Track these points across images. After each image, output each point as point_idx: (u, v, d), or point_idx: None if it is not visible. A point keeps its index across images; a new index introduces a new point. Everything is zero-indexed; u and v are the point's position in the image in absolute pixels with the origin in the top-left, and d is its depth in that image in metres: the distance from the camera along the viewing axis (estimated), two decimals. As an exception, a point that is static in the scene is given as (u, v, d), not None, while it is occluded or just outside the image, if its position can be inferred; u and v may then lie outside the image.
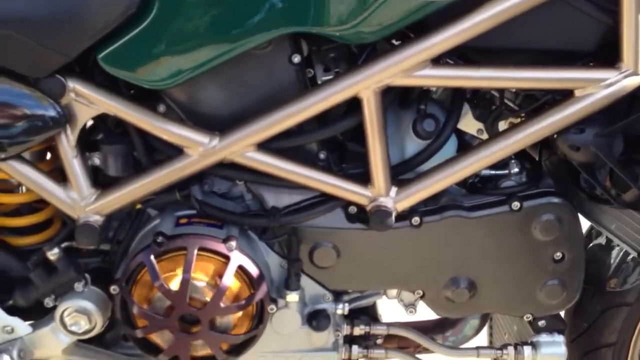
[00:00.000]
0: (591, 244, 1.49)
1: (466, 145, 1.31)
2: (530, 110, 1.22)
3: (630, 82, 1.12)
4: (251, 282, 1.21)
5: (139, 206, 1.27)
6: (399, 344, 1.42)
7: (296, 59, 1.16)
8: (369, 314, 1.40)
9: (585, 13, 1.12)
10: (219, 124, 1.18)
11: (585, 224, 1.32)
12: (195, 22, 1.10)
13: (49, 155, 1.31)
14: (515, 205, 1.24)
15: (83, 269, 1.26)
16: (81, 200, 1.21)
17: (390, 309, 1.49)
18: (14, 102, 1.13)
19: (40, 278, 1.24)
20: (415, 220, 1.24)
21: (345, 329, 1.34)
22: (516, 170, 1.28)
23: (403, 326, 1.39)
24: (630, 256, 1.42)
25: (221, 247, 1.19)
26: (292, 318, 1.28)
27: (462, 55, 1.18)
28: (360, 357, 1.37)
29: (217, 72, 1.13)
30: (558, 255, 1.27)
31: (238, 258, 1.19)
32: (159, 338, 1.23)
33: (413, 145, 1.26)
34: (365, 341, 1.38)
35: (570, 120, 1.15)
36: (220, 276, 1.18)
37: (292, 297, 1.26)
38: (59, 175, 1.24)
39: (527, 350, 1.35)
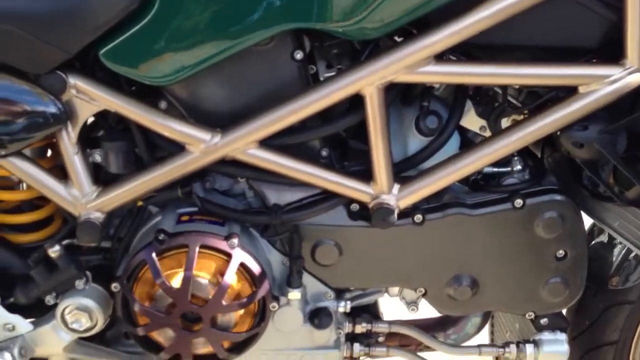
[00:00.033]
0: (593, 242, 1.49)
1: (469, 143, 1.31)
2: (533, 107, 1.22)
3: (634, 79, 1.11)
4: (253, 280, 1.20)
5: (140, 203, 1.27)
6: (400, 342, 1.42)
7: (298, 55, 1.15)
8: (371, 312, 1.40)
9: (589, 9, 1.12)
10: (221, 121, 1.17)
11: (587, 221, 1.32)
12: (196, 18, 1.09)
13: (49, 152, 1.30)
14: (518, 202, 1.24)
15: (84, 267, 1.25)
16: (82, 198, 1.20)
17: (391, 306, 1.48)
18: (14, 99, 1.13)
19: (41, 275, 1.23)
20: (418, 217, 1.24)
21: (347, 327, 1.33)
22: (519, 167, 1.27)
23: (405, 324, 1.39)
24: (633, 254, 1.42)
25: (223, 245, 1.18)
26: (294, 316, 1.27)
27: (464, 52, 1.17)
28: (362, 355, 1.37)
29: (219, 69, 1.13)
30: (561, 253, 1.27)
31: (240, 255, 1.19)
32: (161, 336, 1.23)
33: (415, 142, 1.26)
34: (367, 339, 1.37)
35: (574, 117, 1.15)
36: (222, 274, 1.17)
37: (294, 294, 1.25)
38: (60, 172, 1.23)
39: (529, 348, 1.34)
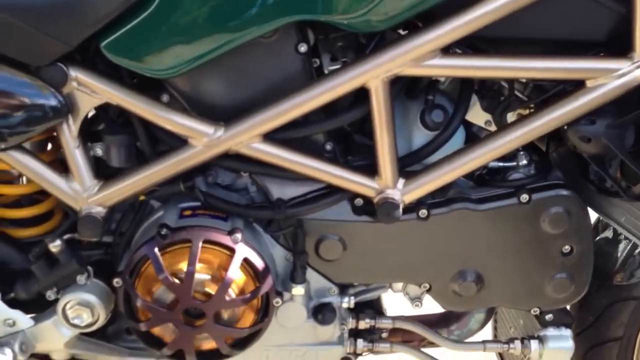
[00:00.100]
0: (598, 237, 1.48)
1: (474, 137, 1.29)
2: (539, 101, 1.21)
3: (643, 73, 1.10)
4: (256, 275, 1.19)
5: (142, 198, 1.25)
6: (403, 338, 1.41)
7: (302, 48, 1.14)
8: (374, 308, 1.39)
9: (597, 2, 1.10)
10: (223, 114, 1.16)
11: (591, 217, 1.31)
12: (199, 10, 1.08)
13: (50, 146, 1.29)
14: (524, 197, 1.23)
15: (85, 262, 1.24)
16: (83, 192, 1.19)
17: (394, 302, 1.47)
18: (14, 91, 1.11)
19: (42, 270, 1.22)
20: (423, 212, 1.23)
21: (351, 323, 1.32)
22: (524, 162, 1.26)
23: (408, 320, 1.38)
24: (638, 249, 1.41)
25: (226, 240, 1.17)
26: (297, 311, 1.26)
27: (470, 45, 1.16)
28: (365, 350, 1.36)
29: (222, 61, 1.11)
30: (566, 248, 1.26)
31: (243, 250, 1.18)
32: (163, 331, 1.22)
33: (421, 136, 1.25)
34: (370, 335, 1.36)
35: (582, 111, 1.14)
36: (226, 269, 1.16)
37: (298, 290, 1.24)
38: (61, 166, 1.22)
39: (534, 344, 1.34)
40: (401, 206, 1.20)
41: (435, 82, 1.24)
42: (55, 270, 1.22)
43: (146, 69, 1.11)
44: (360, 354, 1.37)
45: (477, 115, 1.29)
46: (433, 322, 1.43)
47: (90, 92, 1.14)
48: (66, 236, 1.24)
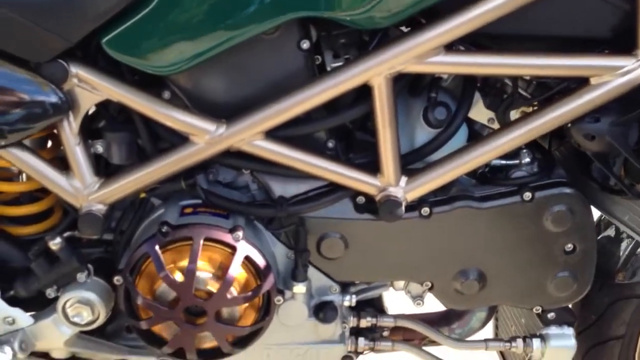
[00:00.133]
0: (600, 236, 1.47)
1: (476, 135, 1.29)
2: (543, 98, 1.20)
3: (647, 70, 1.10)
4: (258, 273, 1.19)
5: (143, 195, 1.25)
6: (404, 336, 1.41)
7: (305, 45, 1.13)
8: (375, 306, 1.39)
9: (601, -1, 1.10)
10: (225, 112, 1.15)
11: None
12: (201, 6, 1.07)
13: (50, 143, 1.28)
14: (527, 195, 1.22)
15: (86, 259, 1.23)
16: (84, 189, 1.18)
17: (394, 300, 1.47)
18: (14, 88, 1.10)
19: (42, 268, 1.22)
20: (425, 210, 1.22)
21: (352, 321, 1.32)
22: (527, 160, 1.25)
23: (410, 318, 1.37)
24: (640, 248, 1.41)
25: (228, 238, 1.17)
26: (298, 310, 1.26)
27: (473, 42, 1.15)
28: (367, 349, 1.36)
29: (224, 58, 1.11)
30: (569, 246, 1.26)
31: (245, 248, 1.17)
32: (164, 330, 1.21)
33: (423, 134, 1.24)
34: (371, 333, 1.36)
35: (586, 108, 1.13)
36: (227, 267, 1.15)
37: (299, 288, 1.24)
38: (61, 163, 1.21)
39: (536, 342, 1.33)
40: (403, 204, 1.19)
41: (438, 79, 1.23)
42: (55, 268, 1.22)
43: (147, 65, 1.10)
44: (362, 353, 1.36)
45: (480, 112, 1.28)
46: (434, 321, 1.42)
47: (91, 88, 1.13)
48: (66, 234, 1.23)
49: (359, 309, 1.33)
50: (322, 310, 1.27)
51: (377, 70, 1.10)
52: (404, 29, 1.16)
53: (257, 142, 1.15)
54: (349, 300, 1.29)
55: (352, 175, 1.19)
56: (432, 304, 1.37)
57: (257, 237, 1.23)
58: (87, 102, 1.14)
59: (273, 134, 1.16)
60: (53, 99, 1.11)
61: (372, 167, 1.19)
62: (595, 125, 1.14)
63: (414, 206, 1.22)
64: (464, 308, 1.38)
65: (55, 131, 1.17)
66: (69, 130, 1.15)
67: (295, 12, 1.07)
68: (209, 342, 1.22)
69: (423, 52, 1.09)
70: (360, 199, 1.23)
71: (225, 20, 1.08)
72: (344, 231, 1.24)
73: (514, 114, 1.26)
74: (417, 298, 1.35)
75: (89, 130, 1.21)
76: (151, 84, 1.17)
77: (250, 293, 1.17)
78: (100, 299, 1.22)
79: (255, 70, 1.15)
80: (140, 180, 1.18)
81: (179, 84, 1.16)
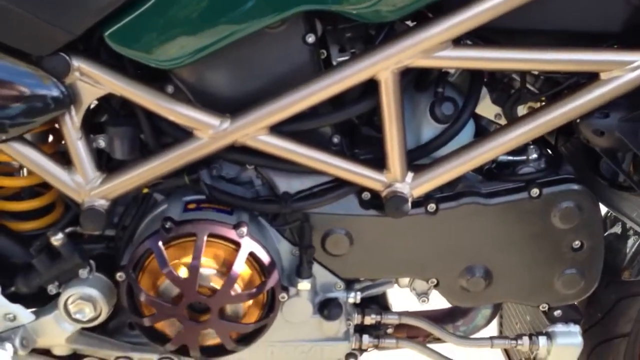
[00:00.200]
0: (606, 233, 1.46)
1: (483, 130, 1.28)
2: (551, 94, 1.19)
3: (658, 65, 1.08)
4: (262, 270, 1.17)
5: (145, 190, 1.23)
6: (408, 334, 1.40)
7: (310, 38, 1.12)
8: (379, 303, 1.37)
9: (612, -7, 1.09)
10: (229, 106, 1.14)
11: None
12: (206, -1, 1.05)
13: (51, 138, 1.27)
14: (535, 192, 1.21)
15: (87, 255, 1.22)
16: (86, 184, 1.16)
17: (397, 297, 1.45)
18: (15, 81, 1.09)
19: (43, 264, 1.20)
20: (431, 207, 1.21)
21: (357, 318, 1.30)
22: (535, 156, 1.24)
23: (415, 315, 1.36)
24: (647, 245, 1.40)
25: (232, 234, 1.15)
26: (303, 307, 1.25)
27: (482, 36, 1.14)
28: (371, 346, 1.35)
29: (228, 52, 1.09)
30: (577, 243, 1.24)
31: (249, 245, 1.16)
32: (167, 326, 1.20)
33: (430, 129, 1.23)
34: (375, 331, 1.34)
35: (595, 104, 1.12)
36: (231, 263, 1.14)
37: (304, 285, 1.23)
38: (62, 158, 1.20)
39: (542, 340, 1.32)
40: (410, 200, 1.18)
41: (444, 74, 1.22)
42: (56, 264, 1.20)
43: (151, 59, 1.09)
44: (366, 350, 1.35)
45: (487, 108, 1.27)
46: (438, 318, 1.41)
47: (93, 82, 1.11)
48: (68, 229, 1.21)
49: (363, 306, 1.32)
50: (327, 307, 1.26)
51: (384, 65, 1.09)
52: (409, 23, 1.15)
53: (261, 137, 1.14)
54: (354, 297, 1.28)
55: (357, 170, 1.18)
56: (436, 301, 1.35)
57: (262, 234, 1.22)
58: (89, 96, 1.13)
59: (278, 129, 1.14)
60: (54, 92, 1.10)
61: (378, 162, 1.18)
62: (605, 120, 1.13)
63: (420, 202, 1.21)
64: (469, 305, 1.37)
65: (56, 125, 1.16)
66: (71, 125, 1.14)
67: (301, 6, 1.06)
68: (212, 339, 1.21)
69: (431, 47, 1.08)
70: (366, 195, 1.22)
71: (229, 13, 1.06)
72: (349, 227, 1.22)
73: (521, 110, 1.25)
74: (422, 295, 1.34)
75: (91, 125, 1.20)
76: (154, 78, 1.15)
77: (254, 290, 1.16)
78: (102, 296, 1.21)
79: (260, 64, 1.14)
80: (143, 175, 1.16)
81: (182, 78, 1.15)
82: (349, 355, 1.32)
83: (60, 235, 1.18)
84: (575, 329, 1.33)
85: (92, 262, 1.22)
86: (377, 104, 1.13)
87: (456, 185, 1.23)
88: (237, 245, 1.15)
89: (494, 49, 1.12)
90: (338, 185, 1.21)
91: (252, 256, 1.16)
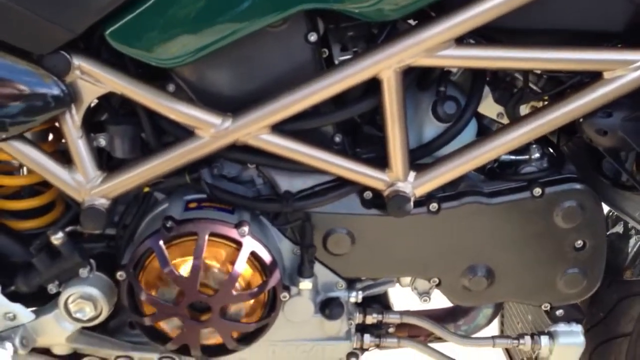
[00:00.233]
0: (608, 233, 1.46)
1: (485, 130, 1.27)
2: (554, 93, 1.18)
3: (662, 65, 1.08)
4: (264, 269, 1.17)
5: (146, 189, 1.23)
6: (409, 333, 1.40)
7: (312, 37, 1.11)
8: (381, 302, 1.37)
9: (615, -8, 1.08)
10: (230, 105, 1.13)
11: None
12: (207, -3, 1.05)
13: (51, 136, 1.26)
14: (537, 191, 1.21)
15: (88, 254, 1.21)
16: (87, 183, 1.16)
17: (399, 297, 1.45)
18: (15, 80, 1.08)
19: (44, 263, 1.20)
20: (433, 206, 1.21)
21: (358, 318, 1.30)
22: (537, 155, 1.24)
23: (416, 315, 1.36)
24: (649, 245, 1.39)
25: (233, 233, 1.15)
26: (304, 306, 1.24)
27: (484, 35, 1.13)
28: (372, 346, 1.34)
29: (229, 50, 1.09)
30: (579, 243, 1.24)
31: (250, 244, 1.15)
32: (168, 326, 1.19)
33: (432, 128, 1.22)
34: (377, 330, 1.34)
35: (598, 103, 1.11)
36: (232, 263, 1.14)
37: (305, 284, 1.22)
38: (63, 156, 1.19)
39: (544, 339, 1.32)
40: (412, 199, 1.17)
41: (447, 73, 1.22)
42: (57, 263, 1.20)
43: (152, 57, 1.08)
44: (367, 349, 1.35)
45: (489, 107, 1.26)
46: (440, 317, 1.41)
47: (94, 81, 1.11)
48: (68, 228, 1.21)
49: (364, 306, 1.32)
50: (328, 307, 1.26)
51: (386, 64, 1.08)
52: (412, 22, 1.14)
53: (263, 136, 1.13)
54: (355, 296, 1.28)
55: (359, 170, 1.17)
56: (438, 301, 1.35)
57: (263, 233, 1.22)
58: (90, 95, 1.12)
59: (280, 128, 1.14)
60: (55, 91, 1.09)
61: (380, 161, 1.17)
62: (608, 120, 1.13)
63: (422, 201, 1.20)
64: (471, 305, 1.36)
65: (57, 124, 1.15)
66: (71, 123, 1.13)
67: (304, 4, 1.05)
68: (213, 338, 1.20)
69: (433, 46, 1.07)
70: (368, 194, 1.21)
71: (231, 12, 1.06)
72: (350, 227, 1.22)
73: (523, 109, 1.25)
74: (424, 294, 1.34)
75: (92, 123, 1.19)
76: (155, 77, 1.15)
77: (255, 289, 1.16)
78: (102, 295, 1.20)
79: (262, 63, 1.13)
80: (144, 174, 1.16)
81: (183, 77, 1.14)
82: (350, 354, 1.32)
83: (60, 234, 1.18)
84: (578, 328, 1.32)
85: (92, 261, 1.21)
86: (379, 103, 1.13)
87: (458, 184, 1.22)
88: (239, 244, 1.15)
89: (497, 48, 1.11)
90: (340, 184, 1.20)
91: (254, 255, 1.16)
